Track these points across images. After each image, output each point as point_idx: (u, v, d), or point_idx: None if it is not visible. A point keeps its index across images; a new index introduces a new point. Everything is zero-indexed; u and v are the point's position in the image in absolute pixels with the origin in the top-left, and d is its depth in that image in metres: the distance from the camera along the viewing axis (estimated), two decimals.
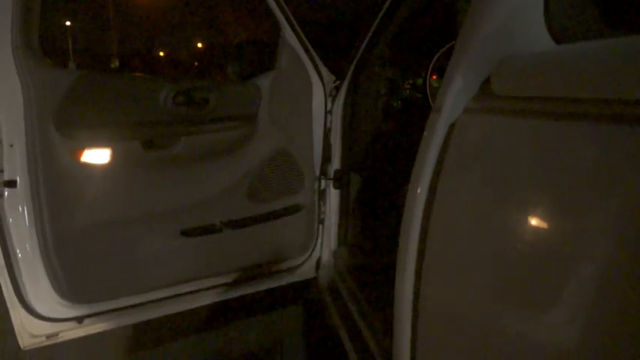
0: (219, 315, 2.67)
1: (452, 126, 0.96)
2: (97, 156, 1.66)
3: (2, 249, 1.56)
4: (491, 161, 0.85)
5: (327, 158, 2.11)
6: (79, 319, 1.74)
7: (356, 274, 2.04)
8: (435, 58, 2.02)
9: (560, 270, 0.68)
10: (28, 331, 1.68)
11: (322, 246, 2.21)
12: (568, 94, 0.71)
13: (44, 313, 1.66)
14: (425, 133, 1.03)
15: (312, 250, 2.18)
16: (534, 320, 0.75)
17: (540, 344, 0.74)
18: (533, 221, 0.75)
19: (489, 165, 0.85)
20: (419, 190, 1.04)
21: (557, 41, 0.83)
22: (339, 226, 2.21)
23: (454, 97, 0.94)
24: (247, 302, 2.72)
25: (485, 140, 0.88)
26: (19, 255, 1.61)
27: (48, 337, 1.73)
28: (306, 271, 2.21)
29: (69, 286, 1.66)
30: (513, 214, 0.79)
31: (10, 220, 1.57)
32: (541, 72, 0.78)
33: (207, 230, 1.83)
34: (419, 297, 1.08)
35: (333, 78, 2.05)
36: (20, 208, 1.58)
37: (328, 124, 2.09)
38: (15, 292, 1.61)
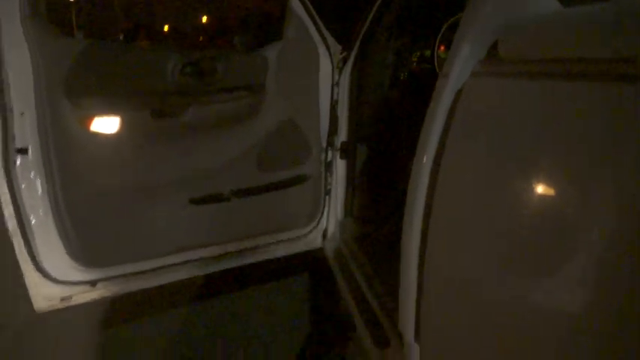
0: (227, 282, 2.74)
1: (459, 92, 0.97)
2: (106, 125, 1.69)
3: (16, 215, 1.60)
4: (498, 124, 0.86)
5: (333, 129, 2.12)
6: (92, 283, 1.79)
7: (362, 243, 2.08)
8: (443, 29, 2.01)
9: (565, 233, 0.70)
10: (42, 294, 1.73)
11: (328, 216, 2.24)
12: (575, 55, 0.72)
13: (58, 276, 1.71)
14: (432, 99, 1.04)
15: (319, 221, 2.21)
16: (539, 284, 0.77)
17: (542, 307, 0.76)
18: (540, 184, 0.77)
19: (496, 128, 0.87)
20: (425, 158, 1.05)
21: (564, 3, 0.83)
22: (345, 196, 2.24)
23: (462, 62, 0.95)
24: (254, 270, 2.78)
25: (493, 103, 0.89)
26: (33, 221, 1.65)
27: (62, 300, 1.78)
28: (312, 241, 2.24)
29: (82, 250, 1.71)
30: (520, 177, 0.80)
31: (23, 186, 1.60)
32: (548, 33, 0.78)
33: (215, 199, 1.87)
34: (424, 261, 1.11)
35: (340, 48, 2.05)
36: (32, 175, 1.62)
37: (335, 96, 2.10)
38: (29, 257, 1.66)
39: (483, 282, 0.90)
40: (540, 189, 0.77)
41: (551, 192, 0.76)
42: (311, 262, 2.81)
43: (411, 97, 2.28)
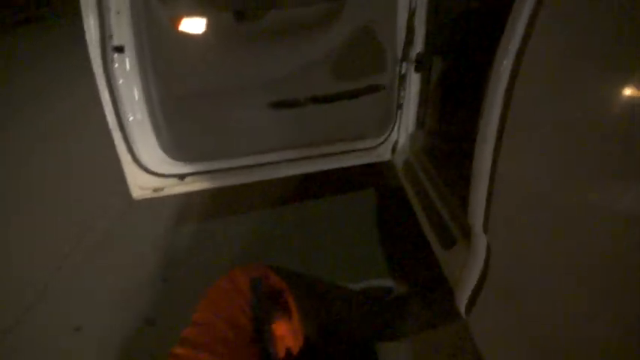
0: (300, 190, 2.93)
1: None
2: (194, 25, 1.77)
3: (115, 112, 1.75)
4: (582, 27, 0.83)
5: (409, 40, 2.08)
6: (181, 177, 1.96)
7: (432, 155, 2.09)
8: None
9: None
10: (138, 184, 1.93)
11: (399, 130, 2.26)
12: None
13: (152, 168, 1.90)
14: (513, 8, 1.00)
15: (390, 133, 2.24)
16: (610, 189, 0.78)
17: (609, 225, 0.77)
18: (623, 87, 0.75)
19: (580, 31, 0.84)
20: (505, 62, 1.04)
21: None
22: (418, 110, 2.23)
23: None
24: (326, 180, 2.94)
25: (578, 6, 0.85)
26: (130, 117, 1.81)
27: (154, 190, 1.98)
28: (382, 153, 2.29)
29: (173, 145, 1.87)
30: (602, 80, 0.78)
31: (120, 82, 1.74)
32: None
33: (292, 104, 1.94)
34: (495, 170, 1.13)
35: None
36: (128, 73, 1.75)
37: (413, 4, 2.04)
38: (127, 150, 1.84)
39: (555, 185, 0.92)
40: (623, 92, 0.75)
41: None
42: (379, 175, 2.91)
43: (492, 7, 2.16)
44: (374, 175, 3.04)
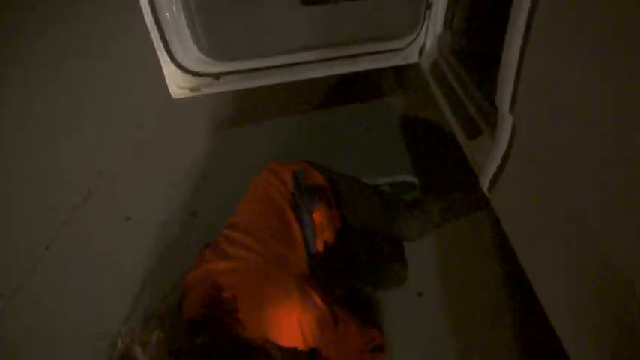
0: (328, 94, 3.04)
1: None
2: None
3: (152, 12, 1.80)
4: None
5: None
6: (216, 76, 2.04)
7: (460, 57, 2.12)
8: None
9: None
10: (176, 83, 2.02)
11: (427, 31, 2.27)
12: None
13: (189, 67, 1.97)
14: None
15: (418, 34, 2.25)
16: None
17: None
18: None
19: None
20: None
21: None
22: (446, 11, 2.22)
23: None
24: (352, 86, 3.03)
25: None
26: (167, 16, 1.86)
27: (191, 90, 2.07)
28: (409, 55, 2.31)
29: (209, 44, 1.93)
30: None
31: None
32: None
33: (323, 0, 1.96)
34: (521, 67, 1.19)
35: None
36: None
37: None
38: (165, 49, 1.91)
39: (580, 100, 0.96)
40: None
41: None
42: (407, 78, 2.98)
43: None
44: (399, 82, 3.11)
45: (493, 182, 1.43)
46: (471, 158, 1.68)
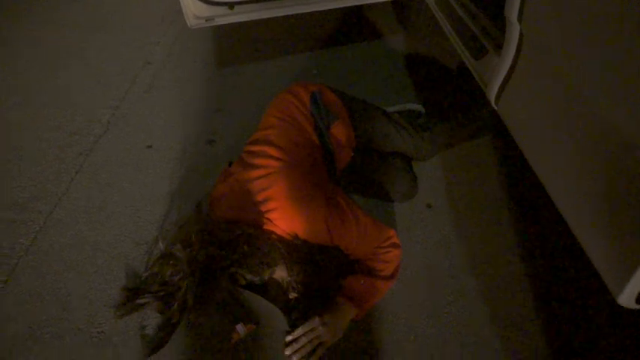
0: (339, 32, 3.16)
1: None
2: None
3: None
4: None
5: None
6: (230, 5, 2.10)
7: None
8: None
9: None
10: (193, 12, 2.09)
11: None
12: None
13: None
14: None
15: None
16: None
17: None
18: None
19: None
20: None
21: None
22: None
23: None
24: (356, 23, 3.13)
25: None
26: None
27: (207, 20, 2.14)
28: None
29: None
30: None
31: None
32: None
33: None
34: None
35: None
36: None
37: None
38: None
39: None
40: None
41: None
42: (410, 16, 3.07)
43: None
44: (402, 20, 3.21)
45: (499, 93, 1.55)
46: (477, 76, 1.78)
